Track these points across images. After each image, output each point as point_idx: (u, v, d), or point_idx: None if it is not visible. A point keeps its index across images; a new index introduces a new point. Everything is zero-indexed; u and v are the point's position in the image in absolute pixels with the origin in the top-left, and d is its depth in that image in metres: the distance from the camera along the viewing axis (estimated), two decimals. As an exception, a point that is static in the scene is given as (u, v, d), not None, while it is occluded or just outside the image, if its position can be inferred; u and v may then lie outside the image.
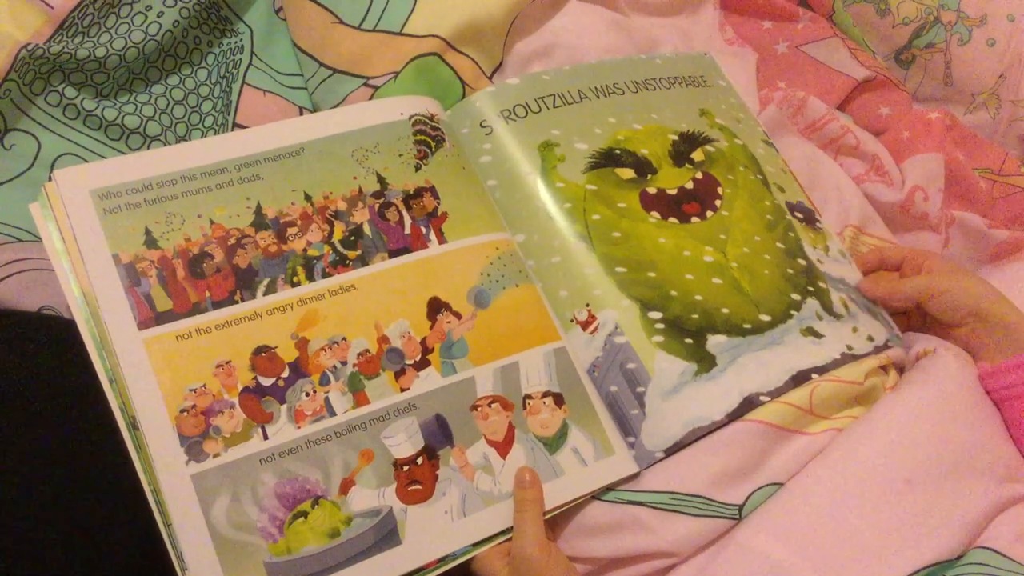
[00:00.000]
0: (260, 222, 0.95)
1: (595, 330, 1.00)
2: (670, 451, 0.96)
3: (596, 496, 0.96)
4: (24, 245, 1.06)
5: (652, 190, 1.09)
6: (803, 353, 1.01)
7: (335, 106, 1.14)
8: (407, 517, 0.89)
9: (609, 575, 0.97)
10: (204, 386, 0.88)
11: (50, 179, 0.91)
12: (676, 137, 1.14)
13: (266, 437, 0.88)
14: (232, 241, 0.93)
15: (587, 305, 1.01)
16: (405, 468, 0.90)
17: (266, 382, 0.89)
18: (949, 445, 0.94)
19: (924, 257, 1.10)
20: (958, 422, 0.96)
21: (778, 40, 1.30)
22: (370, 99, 1.12)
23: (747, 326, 1.02)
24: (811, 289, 1.07)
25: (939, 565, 0.88)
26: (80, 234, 0.89)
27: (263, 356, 0.90)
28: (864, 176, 1.20)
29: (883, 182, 1.19)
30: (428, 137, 1.05)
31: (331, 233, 0.97)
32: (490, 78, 1.18)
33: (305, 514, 0.86)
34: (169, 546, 0.83)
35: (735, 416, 0.95)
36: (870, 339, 1.05)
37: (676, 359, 0.99)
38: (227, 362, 0.89)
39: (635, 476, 0.96)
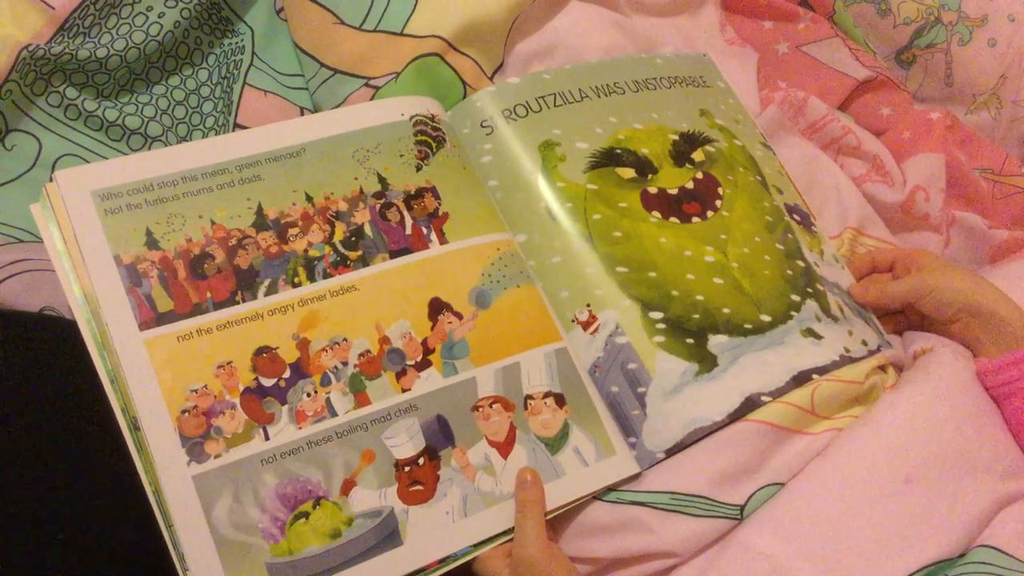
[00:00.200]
0: (261, 223, 0.95)
1: (596, 330, 1.00)
2: (671, 451, 0.96)
3: (597, 496, 0.96)
4: (25, 246, 1.06)
5: (653, 190, 1.09)
6: (804, 354, 1.01)
7: (336, 107, 1.14)
8: (408, 518, 0.89)
9: (610, 575, 0.97)
10: (205, 387, 0.87)
11: (51, 180, 0.91)
12: (676, 137, 1.14)
13: (267, 438, 0.88)
14: (233, 242, 0.93)
15: (588, 305, 1.01)
16: (406, 469, 0.90)
17: (267, 383, 0.89)
18: (949, 443, 0.94)
19: (915, 256, 1.11)
20: (958, 420, 0.96)
21: (779, 40, 1.30)
22: (371, 100, 1.12)
23: (748, 326, 1.02)
24: (810, 291, 1.07)
25: (940, 564, 0.88)
26: (81, 235, 0.89)
27: (264, 357, 0.90)
28: (865, 176, 1.20)
29: (884, 182, 1.19)
30: (429, 137, 1.05)
31: (332, 234, 0.97)
32: (491, 78, 1.17)
33: (306, 515, 0.86)
34: (171, 547, 0.83)
35: (736, 416, 0.95)
36: (864, 343, 1.05)
37: (677, 359, 0.98)
38: (228, 363, 0.89)
39: (636, 476, 0.96)
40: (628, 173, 1.09)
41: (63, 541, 0.88)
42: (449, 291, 0.98)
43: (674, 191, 1.09)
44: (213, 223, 0.94)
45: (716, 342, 1.00)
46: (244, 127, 1.17)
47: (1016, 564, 0.88)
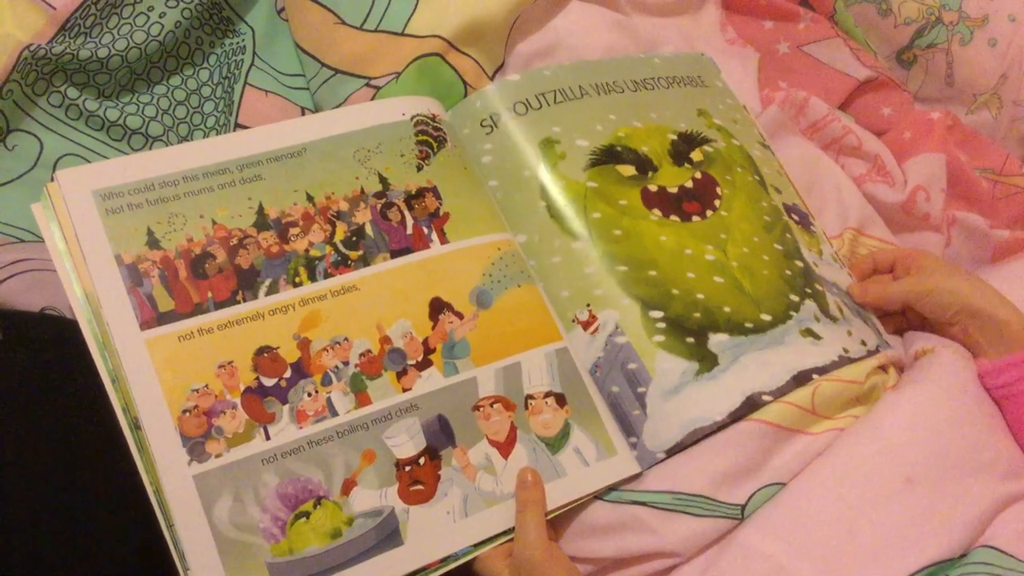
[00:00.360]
0: (262, 222, 0.95)
1: (596, 330, 1.00)
2: (671, 451, 0.95)
3: (598, 496, 0.96)
4: (26, 246, 1.06)
5: (653, 188, 1.08)
6: (804, 353, 1.00)
7: (337, 106, 1.14)
8: (409, 517, 0.89)
9: (611, 575, 0.97)
10: (206, 386, 0.88)
11: (52, 180, 0.91)
12: (675, 137, 1.14)
13: (268, 437, 0.88)
14: (234, 241, 0.93)
15: (588, 305, 1.01)
16: (407, 468, 0.90)
17: (268, 382, 0.89)
18: (950, 443, 0.94)
19: (915, 257, 1.10)
20: (958, 420, 0.96)
21: (779, 40, 1.30)
22: (372, 99, 1.12)
23: (749, 325, 1.01)
24: (808, 291, 1.07)
25: (941, 564, 0.88)
26: (82, 234, 0.89)
27: (265, 356, 0.90)
28: (866, 176, 1.20)
29: (885, 182, 1.19)
30: (430, 137, 1.05)
31: (333, 233, 0.97)
32: (492, 78, 1.17)
33: (307, 514, 0.86)
34: (171, 546, 0.83)
35: (737, 416, 0.95)
36: (863, 344, 1.05)
37: (677, 359, 0.98)
38: (229, 362, 0.89)
39: (637, 476, 0.96)
40: (628, 171, 1.09)
41: (64, 541, 0.88)
42: (450, 291, 0.98)
43: (674, 190, 1.09)
44: (214, 223, 0.94)
45: (717, 341, 1.00)
46: (245, 127, 1.17)
47: (1017, 564, 0.88)
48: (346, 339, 0.93)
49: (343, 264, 0.96)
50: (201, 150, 0.97)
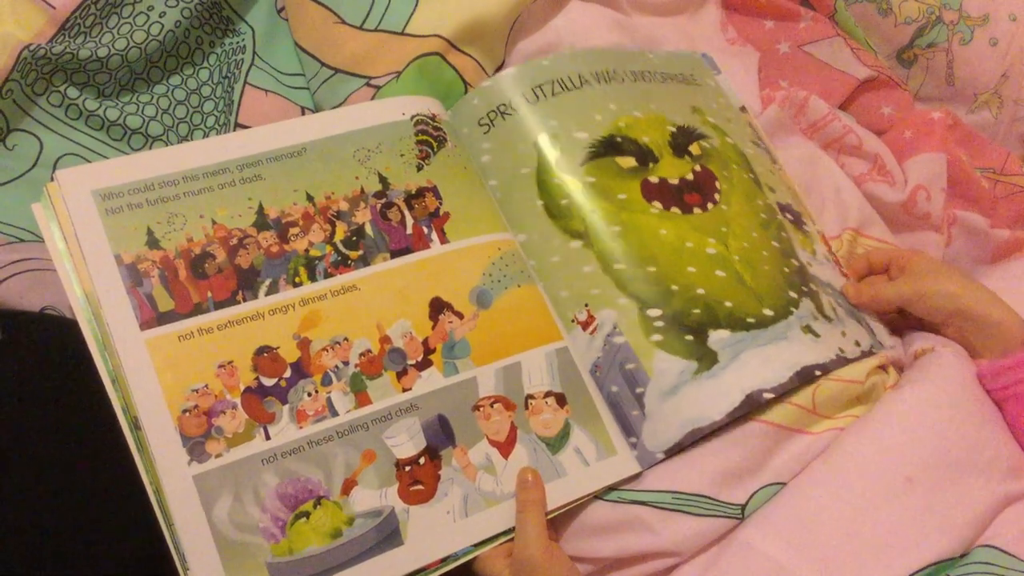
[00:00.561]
0: (262, 222, 0.95)
1: (594, 330, 0.99)
2: (670, 452, 0.95)
3: (598, 496, 0.96)
4: (26, 245, 1.06)
5: (654, 179, 1.07)
6: (806, 349, 0.99)
7: (337, 106, 1.14)
8: (409, 517, 0.89)
9: (611, 575, 0.97)
10: (206, 386, 0.88)
11: (52, 179, 0.91)
12: (674, 129, 1.12)
13: (268, 437, 0.88)
14: (234, 241, 0.93)
15: (586, 305, 1.00)
16: (407, 468, 0.90)
17: (268, 382, 0.89)
18: (950, 443, 0.94)
19: (908, 257, 1.10)
20: (958, 420, 0.96)
21: (780, 40, 1.30)
22: (372, 99, 1.12)
23: (750, 320, 1.00)
24: (805, 290, 1.06)
25: (942, 564, 0.88)
26: (82, 234, 0.89)
27: (265, 356, 0.90)
28: (866, 176, 1.20)
29: (885, 182, 1.19)
30: (430, 137, 1.05)
31: (333, 233, 0.97)
32: (492, 78, 1.17)
33: (307, 514, 0.86)
34: (171, 546, 0.83)
35: (736, 415, 0.95)
36: (857, 344, 1.04)
37: (675, 358, 0.97)
38: (229, 362, 0.89)
39: (637, 476, 0.96)
40: (628, 162, 1.07)
41: (64, 540, 0.88)
42: (450, 291, 0.98)
43: (675, 181, 1.07)
44: (214, 222, 0.94)
45: (716, 337, 0.98)
46: (245, 127, 1.17)
47: (1018, 564, 0.88)
48: (346, 339, 0.93)
49: (343, 264, 0.96)
50: (201, 150, 0.97)
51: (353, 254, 0.96)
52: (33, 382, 0.94)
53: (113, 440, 0.86)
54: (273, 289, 0.93)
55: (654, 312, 0.99)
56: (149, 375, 0.86)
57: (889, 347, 1.08)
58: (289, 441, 0.88)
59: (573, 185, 1.05)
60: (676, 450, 0.95)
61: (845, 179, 1.21)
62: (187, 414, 0.86)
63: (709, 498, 0.94)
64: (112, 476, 0.89)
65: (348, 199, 0.99)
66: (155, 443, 0.85)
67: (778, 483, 0.95)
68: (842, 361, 1.01)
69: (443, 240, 1.00)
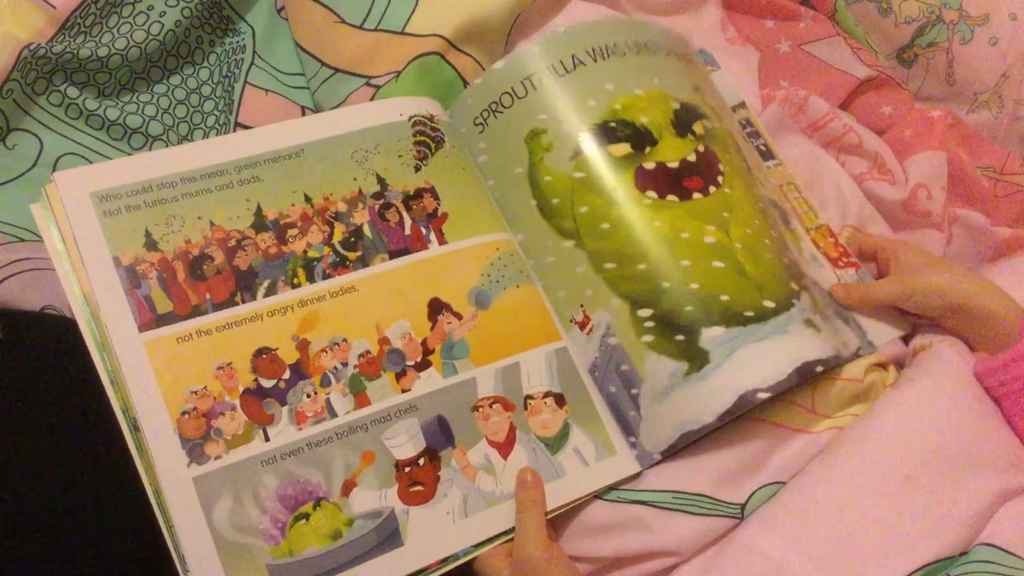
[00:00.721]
0: (260, 224, 0.95)
1: (591, 331, 0.99)
2: (665, 453, 0.96)
3: (598, 495, 0.96)
4: (26, 245, 1.06)
5: (650, 165, 1.01)
6: (808, 344, 0.96)
7: (337, 105, 1.14)
8: (409, 518, 0.89)
9: (611, 575, 0.97)
10: (205, 388, 0.88)
11: (51, 181, 0.91)
12: (678, 106, 1.06)
13: (267, 439, 0.88)
14: (232, 243, 0.93)
15: (581, 306, 1.00)
16: (407, 469, 0.90)
17: (267, 384, 0.90)
18: (948, 439, 0.94)
19: (894, 250, 1.09)
20: (957, 416, 0.96)
21: (780, 39, 1.29)
22: (372, 99, 1.12)
23: (749, 313, 0.96)
24: (804, 282, 1.03)
25: (942, 562, 0.88)
26: (80, 236, 0.89)
27: (264, 358, 0.90)
28: (867, 174, 1.19)
29: (886, 180, 1.19)
30: (428, 138, 1.04)
31: (331, 234, 0.97)
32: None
33: (307, 516, 0.87)
34: (171, 548, 0.84)
35: (728, 417, 0.93)
36: (845, 345, 1.02)
37: (666, 359, 0.96)
38: (228, 364, 0.89)
39: (637, 476, 0.96)
40: (622, 150, 1.02)
41: (64, 541, 0.88)
42: (448, 291, 0.98)
43: (675, 164, 1.02)
44: (212, 224, 0.94)
45: (709, 336, 0.95)
46: (245, 126, 1.17)
47: (1018, 563, 0.88)
48: (345, 340, 0.93)
49: (341, 265, 0.96)
50: (199, 151, 0.97)
51: (351, 255, 0.96)
52: (33, 381, 0.94)
53: (113, 440, 0.86)
54: (272, 290, 0.93)
55: (644, 312, 0.97)
56: (148, 377, 0.86)
57: (882, 346, 1.07)
58: (288, 442, 0.88)
59: (563, 182, 1.02)
60: (671, 452, 0.95)
61: (846, 177, 1.20)
62: (186, 416, 0.86)
63: (709, 498, 0.94)
64: (112, 476, 0.89)
65: (346, 200, 0.99)
66: (154, 445, 0.85)
67: (778, 482, 0.95)
68: (839, 359, 0.99)
69: (441, 241, 1.00)
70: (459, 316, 0.97)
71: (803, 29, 1.29)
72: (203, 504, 0.84)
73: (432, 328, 0.96)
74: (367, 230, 0.98)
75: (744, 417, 0.96)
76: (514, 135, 1.04)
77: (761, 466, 0.96)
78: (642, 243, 0.98)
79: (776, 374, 0.93)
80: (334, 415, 0.90)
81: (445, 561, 0.89)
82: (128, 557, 0.90)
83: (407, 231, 0.99)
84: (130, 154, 1.13)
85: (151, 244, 0.91)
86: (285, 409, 0.89)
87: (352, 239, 0.97)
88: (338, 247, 0.96)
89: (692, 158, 1.03)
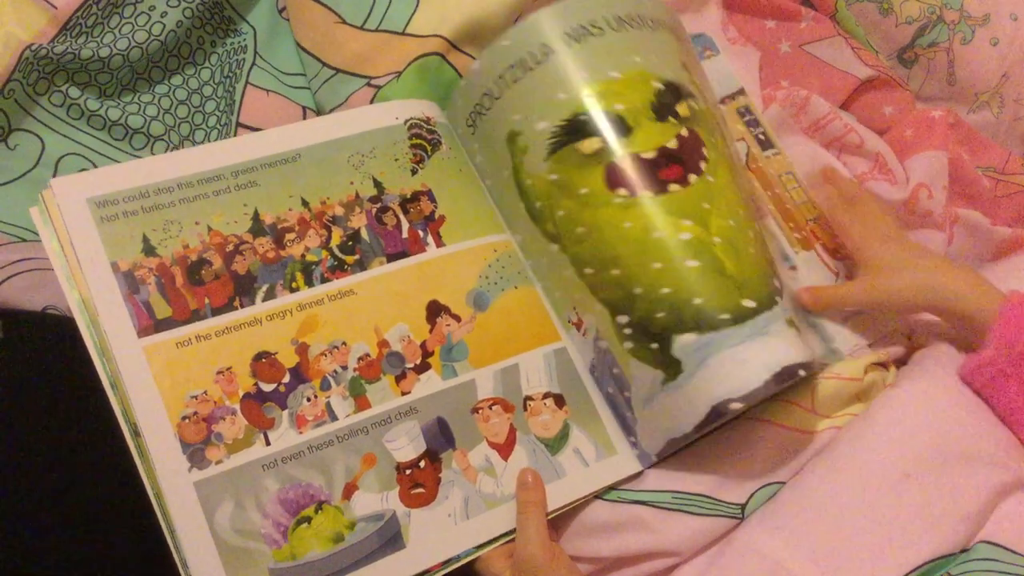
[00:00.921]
0: (258, 228, 0.95)
1: (585, 333, 0.99)
2: (660, 456, 0.96)
3: (598, 495, 0.96)
4: (28, 245, 1.07)
5: (622, 159, 0.95)
6: (789, 346, 0.91)
7: (338, 106, 1.14)
8: (411, 520, 0.90)
9: (612, 575, 0.97)
10: (205, 393, 0.88)
11: (48, 187, 0.91)
12: (661, 86, 0.99)
13: (268, 443, 0.88)
14: (230, 247, 0.94)
15: (574, 308, 1.00)
16: (408, 471, 0.91)
17: (267, 388, 0.90)
18: (946, 436, 0.94)
19: (861, 241, 1.05)
20: (954, 413, 0.96)
21: (781, 39, 1.29)
22: (372, 99, 1.11)
23: (724, 316, 0.90)
24: (784, 280, 0.98)
25: (942, 559, 0.88)
26: (78, 242, 0.89)
27: (263, 362, 0.90)
28: (868, 174, 1.19)
29: (887, 180, 1.18)
30: (424, 140, 1.04)
31: (329, 238, 0.97)
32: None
33: (309, 519, 0.87)
34: (173, 552, 0.84)
35: (705, 428, 0.92)
36: (812, 352, 0.95)
37: (645, 367, 0.94)
38: (227, 368, 0.89)
39: (637, 476, 0.96)
40: (591, 146, 0.96)
41: (65, 543, 0.88)
42: (447, 293, 0.98)
43: (651, 154, 0.95)
44: (210, 229, 0.94)
45: (681, 343, 0.91)
46: (247, 126, 1.16)
47: (1020, 560, 0.88)
48: (344, 343, 0.93)
49: (339, 269, 0.96)
50: (195, 157, 0.97)
51: (349, 259, 0.96)
52: (34, 381, 0.94)
53: (114, 440, 0.86)
54: (270, 295, 0.93)
55: (622, 319, 0.95)
56: (147, 382, 0.86)
57: (848, 353, 1.05)
58: (289, 446, 0.88)
59: (541, 185, 0.99)
60: (664, 456, 0.96)
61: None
62: (186, 421, 0.86)
63: (709, 498, 0.95)
64: (113, 476, 0.90)
65: (343, 204, 0.99)
66: (155, 450, 0.85)
67: (777, 482, 0.96)
68: (815, 363, 0.94)
69: (439, 243, 1.00)
70: (458, 318, 0.97)
71: (804, 29, 1.29)
72: (205, 509, 0.84)
73: (431, 330, 0.96)
74: (364, 234, 0.98)
75: (744, 417, 0.96)
76: (498, 137, 1.02)
77: (761, 466, 0.96)
78: (614, 247, 0.95)
79: (751, 382, 0.89)
80: (334, 418, 0.90)
81: (447, 563, 0.90)
82: (129, 556, 0.91)
83: (404, 234, 0.99)
84: (132, 154, 1.12)
85: (149, 249, 0.91)
86: (285, 413, 0.89)
87: (350, 243, 0.97)
88: (336, 251, 0.96)
89: (672, 144, 0.97)
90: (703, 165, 0.97)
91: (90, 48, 1.10)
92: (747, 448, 0.96)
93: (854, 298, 1.04)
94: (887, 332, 1.08)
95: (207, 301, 0.91)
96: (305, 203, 0.97)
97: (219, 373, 0.89)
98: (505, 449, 0.94)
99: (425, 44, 1.11)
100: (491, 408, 0.95)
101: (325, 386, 0.91)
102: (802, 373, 0.90)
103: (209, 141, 1.16)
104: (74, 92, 1.11)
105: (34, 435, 0.91)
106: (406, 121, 1.05)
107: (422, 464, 0.91)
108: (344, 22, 1.13)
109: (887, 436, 0.94)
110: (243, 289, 0.92)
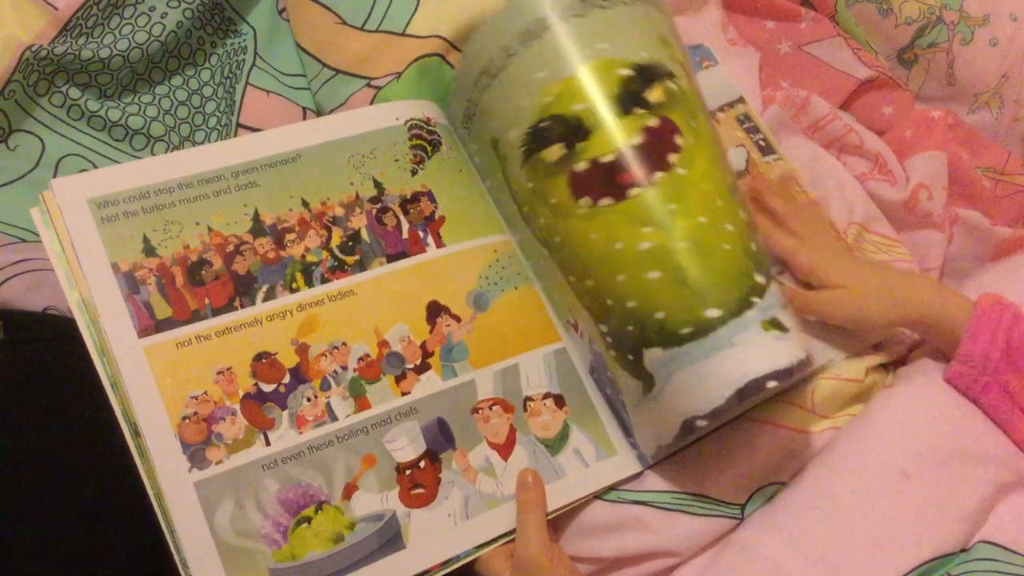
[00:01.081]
0: (258, 229, 0.95)
1: (582, 335, 0.99)
2: (654, 459, 0.96)
3: (598, 496, 0.97)
4: (28, 245, 1.07)
5: (582, 166, 0.91)
6: (761, 355, 0.85)
7: (338, 107, 1.14)
8: (411, 521, 0.89)
9: (612, 575, 0.97)
10: (205, 393, 0.88)
11: (48, 188, 0.91)
12: (630, 72, 0.92)
13: (268, 443, 0.88)
14: (230, 248, 0.94)
15: (570, 310, 0.99)
16: (408, 472, 0.91)
17: (267, 388, 0.90)
18: (945, 435, 0.94)
19: (812, 267, 1.04)
20: (952, 411, 0.96)
21: (781, 40, 1.29)
22: (373, 100, 1.11)
23: (685, 331, 0.86)
24: (771, 273, 0.92)
25: (941, 559, 0.88)
26: (78, 243, 0.89)
27: (264, 362, 0.90)
28: (868, 175, 1.19)
29: (887, 180, 1.19)
30: (424, 141, 1.04)
31: (329, 239, 0.97)
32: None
33: (309, 520, 0.87)
34: (173, 552, 0.84)
35: (681, 443, 0.92)
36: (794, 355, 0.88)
37: (628, 376, 0.93)
38: (228, 369, 0.89)
39: (637, 476, 0.96)
40: (554, 153, 0.92)
41: (65, 543, 0.88)
42: (447, 294, 0.98)
43: (609, 158, 0.90)
44: (210, 229, 0.94)
45: (650, 358, 0.88)
46: (247, 127, 1.17)
47: (1020, 560, 0.88)
48: (344, 344, 0.93)
49: (340, 269, 0.96)
50: (196, 157, 0.97)
51: (349, 259, 0.96)
52: (35, 381, 0.94)
53: (115, 440, 0.86)
54: (270, 295, 0.93)
55: (603, 327, 0.93)
56: (148, 382, 0.86)
57: (821, 364, 1.02)
58: (289, 447, 0.88)
59: (523, 192, 0.97)
60: (658, 459, 0.96)
61: (848, 177, 1.20)
62: (187, 421, 0.86)
63: (709, 498, 0.95)
64: (113, 476, 0.89)
65: (343, 204, 0.99)
66: (155, 450, 0.85)
67: (777, 483, 0.96)
68: (804, 363, 0.88)
69: (439, 244, 1.00)
70: (457, 319, 0.97)
71: (804, 30, 1.29)
72: (205, 509, 0.84)
73: (431, 331, 0.96)
74: (365, 234, 0.98)
75: (744, 418, 0.97)
76: (485, 142, 1.02)
77: (761, 467, 0.96)
78: (584, 258, 0.92)
79: (713, 400, 0.85)
80: (334, 419, 0.90)
81: (447, 563, 0.89)
82: (130, 556, 0.91)
83: (404, 235, 0.99)
84: (132, 155, 1.12)
85: (149, 250, 0.91)
86: (285, 413, 0.89)
87: (350, 243, 0.97)
88: (336, 251, 0.96)
89: (637, 140, 0.90)
90: (673, 158, 0.90)
91: (90, 49, 1.10)
92: (747, 448, 0.96)
93: (821, 316, 1.02)
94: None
95: (207, 301, 0.91)
96: (305, 203, 0.97)
97: (219, 373, 0.89)
98: (505, 449, 0.94)
99: (425, 45, 1.11)
100: (491, 408, 0.95)
101: (325, 386, 0.91)
102: (771, 384, 0.85)
103: (209, 142, 1.16)
104: (74, 93, 1.11)
105: (34, 435, 0.91)
106: (406, 122, 1.05)
107: (422, 464, 0.91)
108: (344, 23, 1.13)
109: (886, 436, 0.94)
110: (243, 289, 0.92)
